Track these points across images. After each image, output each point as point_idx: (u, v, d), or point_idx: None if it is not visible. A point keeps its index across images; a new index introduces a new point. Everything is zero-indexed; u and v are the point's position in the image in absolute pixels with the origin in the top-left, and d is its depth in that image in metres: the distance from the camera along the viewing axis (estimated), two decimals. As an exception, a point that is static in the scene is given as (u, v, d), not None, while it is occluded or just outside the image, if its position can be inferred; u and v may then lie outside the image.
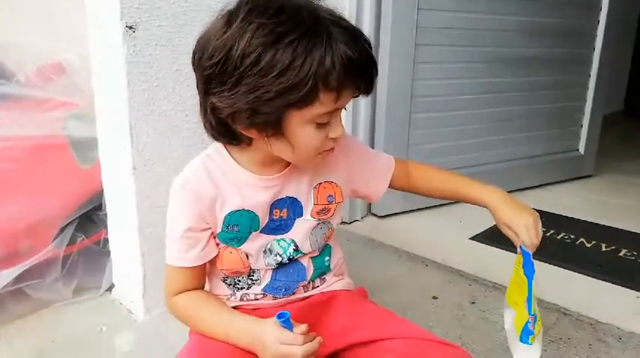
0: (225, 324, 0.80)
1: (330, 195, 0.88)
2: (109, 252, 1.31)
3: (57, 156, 1.35)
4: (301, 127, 0.71)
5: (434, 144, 1.87)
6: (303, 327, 0.73)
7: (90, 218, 1.35)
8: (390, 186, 0.98)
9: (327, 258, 0.92)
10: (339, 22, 0.68)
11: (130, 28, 1.05)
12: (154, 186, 1.16)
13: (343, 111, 0.78)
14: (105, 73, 1.16)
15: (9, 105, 1.42)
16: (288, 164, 0.82)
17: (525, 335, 0.81)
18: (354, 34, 0.68)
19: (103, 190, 1.30)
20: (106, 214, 1.30)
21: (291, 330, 0.72)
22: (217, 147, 0.83)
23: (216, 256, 0.85)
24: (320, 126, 0.72)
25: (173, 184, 0.82)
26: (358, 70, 0.69)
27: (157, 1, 1.07)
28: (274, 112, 0.68)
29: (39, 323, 1.18)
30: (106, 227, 1.31)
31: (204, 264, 0.85)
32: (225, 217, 0.81)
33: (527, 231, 0.83)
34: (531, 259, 0.81)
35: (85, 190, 1.33)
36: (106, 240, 1.32)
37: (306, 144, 0.74)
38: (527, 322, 0.81)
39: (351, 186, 0.93)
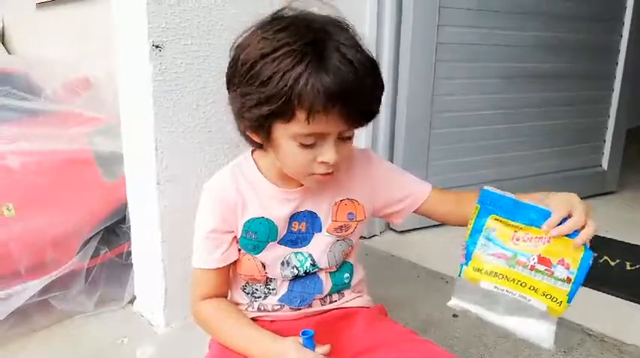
0: (245, 337, 0.81)
1: (350, 213, 0.88)
2: (131, 265, 1.33)
3: (83, 171, 1.39)
4: (285, 142, 0.73)
5: (454, 160, 1.87)
6: (326, 348, 0.73)
7: (113, 231, 1.38)
8: (433, 218, 0.94)
9: (346, 275, 0.93)
10: (344, 50, 0.67)
11: (157, 47, 1.08)
12: (177, 201, 1.18)
13: (359, 139, 0.79)
14: (131, 91, 1.19)
15: (38, 120, 1.47)
16: None
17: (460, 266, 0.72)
18: (351, 66, 0.67)
19: (126, 204, 1.32)
20: (129, 227, 1.32)
21: (313, 350, 0.72)
22: (246, 156, 0.87)
23: (236, 261, 0.88)
24: (305, 146, 0.72)
25: (203, 188, 0.87)
26: (333, 100, 0.67)
27: (182, 20, 1.10)
28: (257, 119, 0.72)
29: (62, 334, 1.20)
30: (128, 240, 1.34)
31: (228, 270, 0.88)
32: (245, 223, 0.84)
33: (566, 209, 0.70)
34: (533, 214, 0.69)
35: (110, 204, 1.37)
36: (129, 253, 1.34)
37: (291, 161, 0.76)
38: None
39: (375, 205, 0.92)
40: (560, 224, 0.69)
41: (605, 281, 1.46)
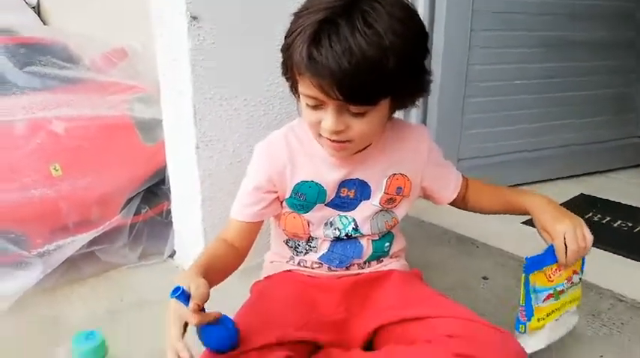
0: None
1: (399, 187, 0.91)
2: (170, 223, 1.39)
3: (124, 135, 1.45)
4: (302, 98, 0.78)
5: (487, 129, 1.85)
6: (193, 305, 0.65)
7: (153, 191, 1.44)
8: (450, 203, 1.02)
9: (387, 244, 0.96)
10: (350, 33, 0.67)
11: (195, 18, 1.10)
12: (215, 164, 1.22)
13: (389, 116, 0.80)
14: (170, 60, 1.21)
15: (78, 88, 1.53)
16: (362, 149, 0.86)
17: (516, 324, 0.88)
18: (344, 52, 0.66)
19: (165, 166, 1.38)
20: (168, 188, 1.38)
21: (187, 305, 0.66)
22: (301, 119, 0.89)
23: (279, 217, 0.92)
24: (310, 107, 0.76)
25: (255, 147, 0.91)
26: (310, 71, 0.70)
27: (219, -10, 1.12)
28: (283, 68, 0.79)
29: (109, 283, 1.27)
30: (167, 199, 1.40)
31: (257, 229, 0.92)
32: (295, 185, 0.87)
33: (562, 238, 0.84)
34: (552, 255, 0.86)
35: (149, 166, 1.43)
36: (168, 212, 1.40)
37: (304, 117, 0.80)
38: (518, 311, 0.88)
39: (423, 185, 0.96)
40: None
41: (636, 250, 1.45)
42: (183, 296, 0.66)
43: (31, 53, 1.55)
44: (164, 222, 1.40)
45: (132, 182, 1.38)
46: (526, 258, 0.86)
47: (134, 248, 1.34)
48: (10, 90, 1.39)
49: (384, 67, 0.68)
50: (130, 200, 1.36)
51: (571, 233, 0.83)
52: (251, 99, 1.24)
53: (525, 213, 0.93)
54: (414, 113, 1.73)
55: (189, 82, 1.14)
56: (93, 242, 1.26)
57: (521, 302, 0.88)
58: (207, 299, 0.68)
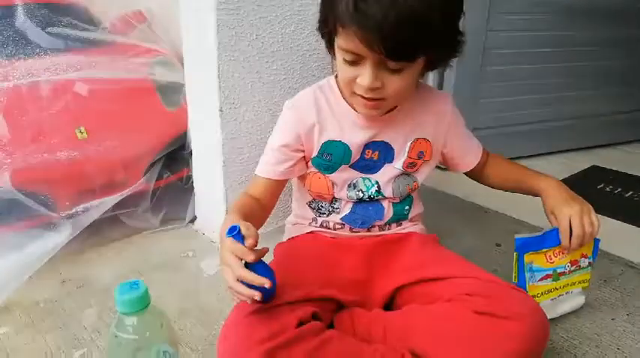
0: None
1: (421, 151, 0.94)
2: (191, 188, 1.42)
3: (145, 99, 1.45)
4: (337, 53, 0.78)
5: (505, 98, 1.84)
6: (251, 241, 0.70)
7: (174, 157, 1.46)
8: (467, 174, 1.04)
9: (407, 207, 0.99)
10: None
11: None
12: (237, 127, 1.23)
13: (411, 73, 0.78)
14: (194, 20, 1.22)
15: (101, 50, 1.53)
16: (389, 111, 0.88)
17: None
18: (392, 4, 0.66)
19: (186, 132, 1.39)
20: (189, 154, 1.40)
21: (243, 243, 0.70)
22: (329, 80, 0.91)
23: (305, 177, 0.94)
24: (347, 62, 0.76)
25: (284, 105, 0.92)
26: (356, 23, 0.69)
27: (244, -51, 1.11)
28: (321, 23, 0.80)
29: (133, 246, 1.31)
30: (188, 166, 1.42)
31: (281, 187, 0.94)
32: (322, 144, 0.89)
33: (567, 221, 0.86)
34: (555, 238, 0.89)
35: (171, 131, 1.44)
36: (189, 177, 1.43)
37: (339, 74, 0.81)
38: None
39: (444, 151, 0.98)
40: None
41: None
42: (240, 235, 0.70)
43: (51, 14, 1.52)
44: (184, 187, 1.42)
45: (154, 146, 1.40)
46: (516, 239, 0.89)
47: (156, 213, 1.37)
48: (34, 51, 1.38)
49: (427, 20, 0.69)
50: (152, 165, 1.38)
51: (577, 217, 0.85)
52: (272, 62, 1.24)
53: (536, 194, 0.95)
54: (430, 76, 1.73)
55: (213, 41, 1.14)
56: (117, 206, 1.29)
57: (513, 279, 0.92)
58: (258, 237, 0.71)
